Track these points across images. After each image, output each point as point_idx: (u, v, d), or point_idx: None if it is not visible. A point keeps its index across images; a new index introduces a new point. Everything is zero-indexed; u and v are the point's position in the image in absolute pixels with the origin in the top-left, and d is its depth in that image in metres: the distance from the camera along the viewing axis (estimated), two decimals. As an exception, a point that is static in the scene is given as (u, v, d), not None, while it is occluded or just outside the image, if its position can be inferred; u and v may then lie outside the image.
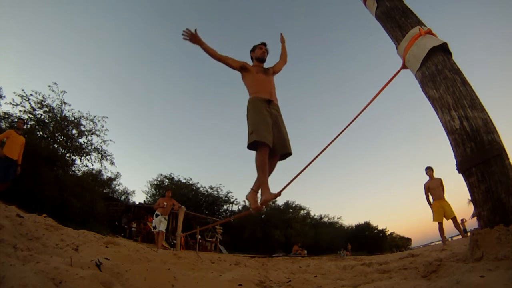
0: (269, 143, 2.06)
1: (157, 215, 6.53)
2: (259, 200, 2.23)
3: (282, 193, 2.20)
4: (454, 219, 4.96)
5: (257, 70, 2.46)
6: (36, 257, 1.24)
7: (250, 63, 2.57)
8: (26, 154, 9.16)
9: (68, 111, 11.69)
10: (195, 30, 2.31)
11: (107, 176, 15.66)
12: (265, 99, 2.32)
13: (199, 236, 12.04)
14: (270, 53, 2.62)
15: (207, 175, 45.19)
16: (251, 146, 2.12)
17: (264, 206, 2.17)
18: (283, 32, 2.91)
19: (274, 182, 2.18)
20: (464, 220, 8.27)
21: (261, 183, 2.11)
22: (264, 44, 2.59)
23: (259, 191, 2.21)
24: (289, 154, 2.29)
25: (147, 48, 48.84)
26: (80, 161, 12.05)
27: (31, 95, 10.67)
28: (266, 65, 2.61)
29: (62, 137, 11.39)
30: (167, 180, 19.87)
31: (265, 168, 2.06)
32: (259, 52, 2.55)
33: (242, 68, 2.44)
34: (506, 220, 1.35)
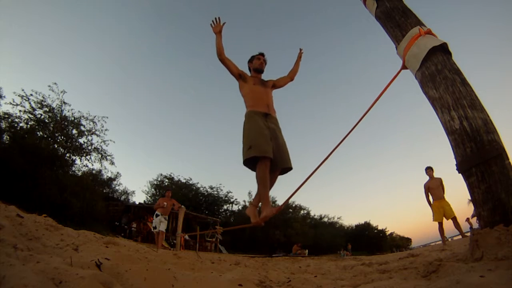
0: (270, 155, 2.02)
1: (157, 215, 6.53)
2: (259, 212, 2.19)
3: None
4: (454, 219, 4.96)
5: (255, 82, 2.40)
6: (36, 257, 1.24)
7: (248, 73, 2.53)
8: (26, 154, 9.25)
9: (68, 111, 11.73)
10: (223, 23, 2.41)
11: (107, 176, 15.72)
12: (263, 113, 2.27)
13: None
14: (268, 63, 2.57)
15: (207, 175, 45.16)
16: (248, 162, 2.05)
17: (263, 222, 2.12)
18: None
19: (274, 191, 2.16)
20: (470, 220, 8.14)
21: (262, 198, 2.05)
22: (262, 54, 2.53)
23: (259, 205, 2.16)
24: (290, 168, 2.23)
25: (148, 48, 48.86)
26: (80, 161, 12.09)
27: (31, 95, 10.70)
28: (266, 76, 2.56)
29: (62, 137, 11.39)
30: (167, 180, 19.88)
31: (266, 182, 2.01)
32: (257, 62, 2.49)
33: (240, 76, 2.39)
34: (506, 220, 1.35)
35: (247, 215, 2.27)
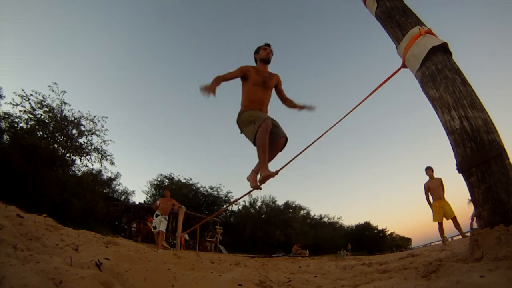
0: (270, 118, 2.15)
1: (157, 215, 6.54)
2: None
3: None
4: (454, 219, 4.96)
5: (256, 81, 2.38)
6: (36, 257, 1.24)
7: (254, 64, 2.54)
8: (26, 154, 9.24)
9: (68, 111, 11.69)
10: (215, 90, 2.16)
11: (107, 176, 15.69)
12: (255, 109, 2.36)
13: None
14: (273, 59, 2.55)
15: (207, 175, 45.17)
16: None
17: (262, 185, 2.24)
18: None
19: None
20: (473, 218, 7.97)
21: (261, 162, 2.13)
22: (268, 45, 2.51)
23: (259, 172, 2.26)
24: (286, 138, 2.34)
25: (148, 49, 48.86)
26: (80, 161, 12.05)
27: (31, 95, 10.67)
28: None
29: (62, 137, 11.37)
30: (167, 180, 19.88)
31: (265, 147, 2.08)
32: (264, 53, 2.47)
33: (242, 76, 2.42)
34: (506, 220, 1.35)
35: (248, 180, 2.39)
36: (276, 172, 2.18)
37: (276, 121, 2.37)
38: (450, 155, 1.70)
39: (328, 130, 2.31)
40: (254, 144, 2.16)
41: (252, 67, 2.45)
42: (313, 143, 2.35)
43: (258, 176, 2.29)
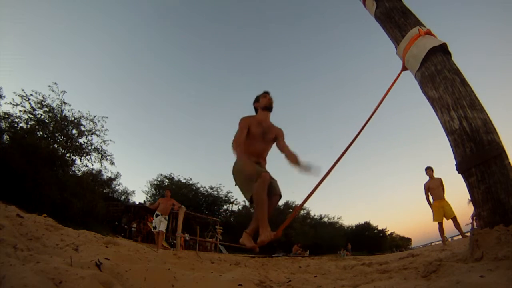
0: (268, 172, 1.97)
1: (157, 215, 6.54)
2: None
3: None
4: (454, 219, 4.96)
5: (255, 134, 2.23)
6: (36, 257, 1.24)
7: (253, 113, 2.38)
8: (26, 154, 9.25)
9: (68, 111, 11.67)
10: None
11: (107, 176, 15.72)
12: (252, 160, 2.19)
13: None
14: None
15: (207, 175, 45.19)
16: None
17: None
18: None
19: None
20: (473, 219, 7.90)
21: (260, 220, 1.93)
22: (267, 92, 2.39)
23: (259, 232, 2.03)
24: (280, 196, 2.17)
25: (148, 49, 48.87)
26: (80, 161, 12.04)
27: (31, 95, 10.66)
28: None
29: (62, 137, 11.37)
30: (167, 180, 19.88)
31: (264, 204, 1.91)
32: (264, 101, 2.34)
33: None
34: (506, 220, 1.35)
35: (242, 243, 2.15)
36: (278, 234, 1.93)
37: (272, 177, 2.16)
38: (450, 155, 1.71)
39: (337, 162, 2.08)
40: (250, 201, 1.99)
41: (252, 118, 2.31)
42: (318, 185, 2.03)
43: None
